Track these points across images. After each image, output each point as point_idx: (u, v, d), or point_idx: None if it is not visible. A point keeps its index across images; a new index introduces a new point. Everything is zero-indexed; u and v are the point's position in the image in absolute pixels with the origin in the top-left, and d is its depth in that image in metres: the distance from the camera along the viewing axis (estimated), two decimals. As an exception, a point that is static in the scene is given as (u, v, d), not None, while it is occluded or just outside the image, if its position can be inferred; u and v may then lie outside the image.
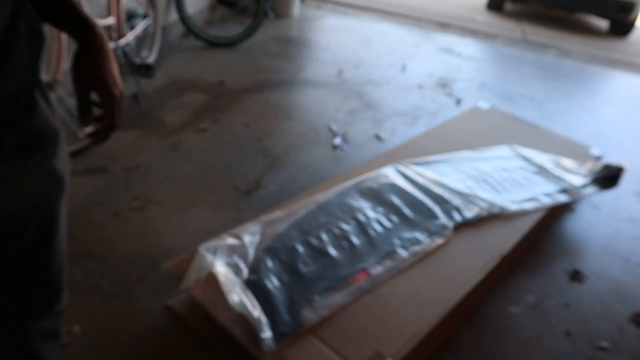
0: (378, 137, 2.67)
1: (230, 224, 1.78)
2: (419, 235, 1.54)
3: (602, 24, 6.18)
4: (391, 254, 1.45)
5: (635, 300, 1.76)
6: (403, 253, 1.45)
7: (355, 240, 1.50)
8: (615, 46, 5.33)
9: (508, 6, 6.32)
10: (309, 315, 1.21)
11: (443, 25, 5.11)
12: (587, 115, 3.36)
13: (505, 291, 1.71)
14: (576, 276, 1.82)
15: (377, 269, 1.38)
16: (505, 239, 1.59)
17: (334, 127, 2.71)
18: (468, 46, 4.55)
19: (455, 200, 1.69)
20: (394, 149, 2.06)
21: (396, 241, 1.50)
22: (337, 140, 2.57)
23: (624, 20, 5.43)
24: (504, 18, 5.84)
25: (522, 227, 1.66)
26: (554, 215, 2.05)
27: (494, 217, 1.67)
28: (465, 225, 1.61)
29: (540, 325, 1.59)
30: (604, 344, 1.55)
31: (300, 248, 1.43)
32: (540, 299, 1.70)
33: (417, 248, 1.48)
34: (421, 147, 2.07)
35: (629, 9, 5.20)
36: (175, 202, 1.94)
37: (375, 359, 1.11)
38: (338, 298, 1.27)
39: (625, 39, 5.71)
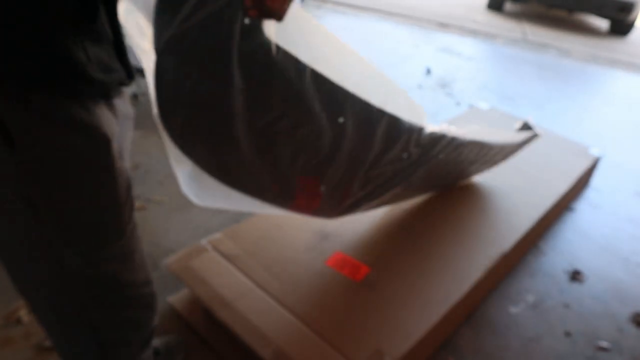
0: (378, 137, 2.67)
1: (230, 224, 1.78)
2: None
3: (602, 24, 6.18)
4: None
5: (635, 300, 1.76)
6: None
7: None
8: (615, 46, 5.34)
9: (508, 6, 6.32)
10: None
11: (443, 25, 5.11)
12: (587, 115, 3.37)
13: (505, 291, 1.71)
14: (576, 276, 1.82)
15: None
16: (506, 237, 1.60)
17: (334, 127, 2.71)
18: (468, 46, 4.56)
19: None
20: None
21: None
22: (337, 140, 2.57)
23: (624, 20, 5.43)
24: (504, 18, 5.85)
25: (522, 226, 1.67)
26: (554, 215, 2.05)
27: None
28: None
29: (540, 325, 1.59)
30: (604, 344, 1.55)
31: None
32: (540, 299, 1.70)
33: None
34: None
35: (629, 9, 5.21)
36: (175, 203, 1.94)
37: (375, 356, 1.11)
38: None
39: (625, 39, 5.72)
